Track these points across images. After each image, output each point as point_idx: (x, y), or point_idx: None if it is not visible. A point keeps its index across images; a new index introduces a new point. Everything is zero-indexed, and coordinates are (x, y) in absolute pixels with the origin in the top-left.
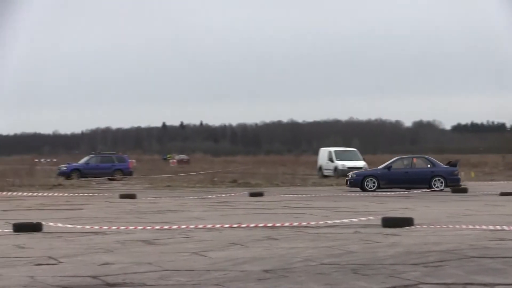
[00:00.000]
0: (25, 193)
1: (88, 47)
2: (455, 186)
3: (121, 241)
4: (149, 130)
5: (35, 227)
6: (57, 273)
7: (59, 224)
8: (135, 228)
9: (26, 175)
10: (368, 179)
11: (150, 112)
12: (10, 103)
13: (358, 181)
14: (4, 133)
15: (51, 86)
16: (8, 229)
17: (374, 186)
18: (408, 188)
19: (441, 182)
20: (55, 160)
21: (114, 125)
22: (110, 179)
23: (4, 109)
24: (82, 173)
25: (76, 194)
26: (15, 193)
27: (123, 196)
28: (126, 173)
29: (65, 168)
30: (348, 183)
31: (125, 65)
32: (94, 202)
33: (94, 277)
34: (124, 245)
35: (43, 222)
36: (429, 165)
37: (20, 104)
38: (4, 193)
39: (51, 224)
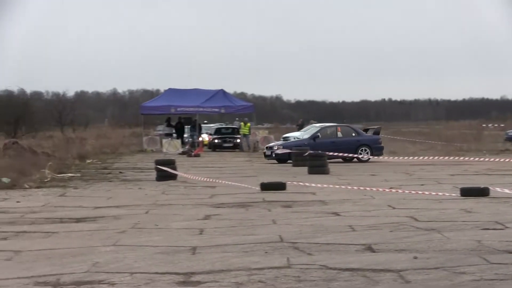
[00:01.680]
0: (472, 158)
1: None
2: (379, 155)
3: None
4: None
5: (482, 192)
6: (504, 238)
7: (506, 190)
8: None
9: (473, 140)
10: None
11: None
12: (455, 70)
13: (286, 153)
14: (453, 98)
15: (484, 49)
16: (456, 193)
17: None
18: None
19: (367, 152)
20: (502, 125)
21: None
22: None
23: (452, 74)
24: None
25: None
26: (462, 158)
27: None
28: None
29: None
30: (274, 155)
31: None
32: None
33: None
34: None
35: (490, 187)
36: (353, 134)
37: (466, 70)
38: (452, 157)
39: (498, 189)
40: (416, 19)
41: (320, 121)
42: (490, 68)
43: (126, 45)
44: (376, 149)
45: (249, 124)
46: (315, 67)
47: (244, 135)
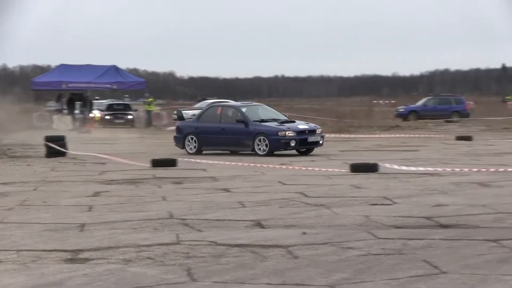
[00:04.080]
0: (362, 135)
1: None
2: None
3: (456, 182)
4: (488, 72)
5: (371, 168)
6: (391, 213)
7: (395, 166)
8: (470, 170)
9: (365, 116)
10: None
11: (490, 53)
12: (348, 47)
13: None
14: (345, 75)
15: (376, 27)
16: (346, 169)
17: None
18: None
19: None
20: (393, 101)
21: (453, 67)
22: (447, 121)
23: (345, 51)
24: (420, 114)
25: (412, 136)
26: (353, 135)
27: (459, 138)
28: (463, 115)
29: (403, 110)
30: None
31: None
32: (430, 144)
33: (428, 218)
34: (459, 186)
35: (379, 163)
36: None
37: (359, 47)
38: (343, 134)
39: (387, 165)
40: None
41: (219, 98)
42: (382, 45)
43: (18, 18)
44: None
45: (150, 99)
46: (209, 43)
47: (148, 112)
